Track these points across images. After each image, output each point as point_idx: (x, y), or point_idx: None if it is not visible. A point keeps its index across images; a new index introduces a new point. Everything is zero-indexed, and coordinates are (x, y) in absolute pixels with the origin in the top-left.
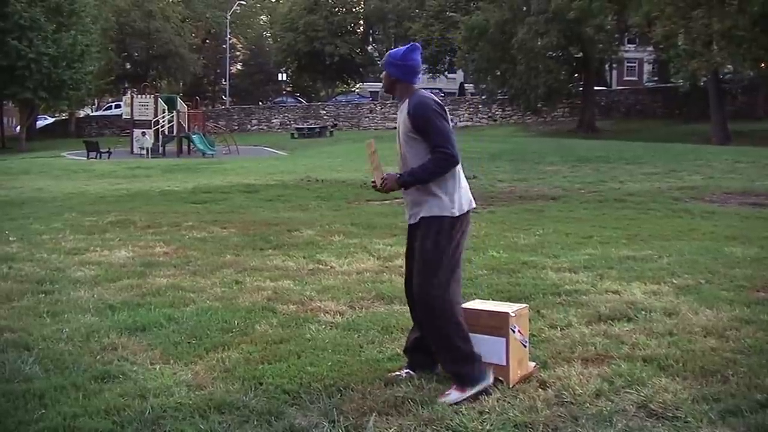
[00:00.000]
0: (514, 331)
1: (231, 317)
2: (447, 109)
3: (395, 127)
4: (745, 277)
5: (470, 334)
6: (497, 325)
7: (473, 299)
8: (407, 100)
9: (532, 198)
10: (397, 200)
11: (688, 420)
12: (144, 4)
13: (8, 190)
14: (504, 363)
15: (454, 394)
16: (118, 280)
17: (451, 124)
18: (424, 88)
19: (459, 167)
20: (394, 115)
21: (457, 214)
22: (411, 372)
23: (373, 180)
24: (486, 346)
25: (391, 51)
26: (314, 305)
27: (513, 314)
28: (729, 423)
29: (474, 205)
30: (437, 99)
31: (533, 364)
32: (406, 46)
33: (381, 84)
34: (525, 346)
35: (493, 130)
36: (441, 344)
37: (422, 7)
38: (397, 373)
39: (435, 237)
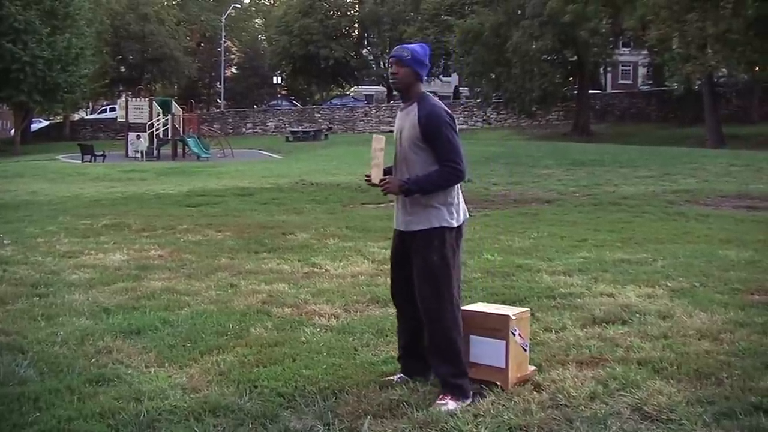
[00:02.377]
0: (514, 334)
1: (226, 320)
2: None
3: (391, 130)
4: (740, 280)
5: (471, 337)
6: (498, 327)
7: (473, 303)
8: (415, 103)
9: (526, 201)
10: (392, 203)
11: (683, 422)
12: (139, 7)
13: (3, 193)
14: (503, 366)
15: (451, 404)
16: (112, 283)
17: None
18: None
19: None
20: (389, 119)
21: (455, 225)
22: (405, 377)
23: (368, 174)
24: (486, 349)
25: (413, 47)
26: (309, 308)
27: (514, 317)
28: (723, 425)
29: (468, 216)
30: (447, 109)
31: (533, 367)
32: (422, 45)
33: (374, 85)
34: (525, 350)
35: (487, 133)
36: (448, 357)
37: (417, 10)
38: (391, 377)
39: (440, 250)
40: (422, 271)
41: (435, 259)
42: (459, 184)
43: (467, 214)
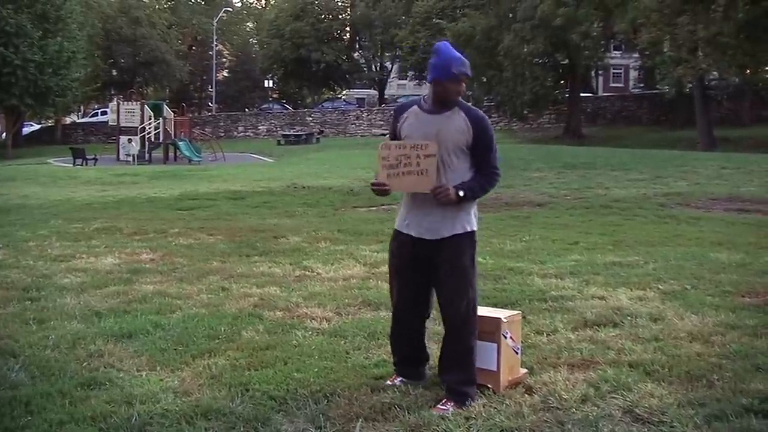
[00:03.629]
0: (506, 337)
1: (217, 324)
2: None
3: (384, 133)
4: (731, 283)
5: None
6: (489, 330)
7: None
8: (457, 108)
9: (518, 204)
10: (383, 206)
11: (674, 425)
12: (130, 10)
13: None
14: (494, 368)
15: (452, 411)
16: (104, 286)
17: None
18: (412, 95)
19: None
20: (381, 122)
21: (476, 228)
22: (404, 380)
23: (383, 183)
24: (477, 352)
25: (456, 53)
26: (301, 312)
27: (505, 320)
28: (714, 427)
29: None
30: None
31: (524, 370)
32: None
33: (366, 88)
34: (517, 353)
35: None
36: (462, 363)
37: (409, 13)
38: (389, 382)
39: (471, 254)
40: (450, 278)
41: (467, 264)
42: None
43: None
